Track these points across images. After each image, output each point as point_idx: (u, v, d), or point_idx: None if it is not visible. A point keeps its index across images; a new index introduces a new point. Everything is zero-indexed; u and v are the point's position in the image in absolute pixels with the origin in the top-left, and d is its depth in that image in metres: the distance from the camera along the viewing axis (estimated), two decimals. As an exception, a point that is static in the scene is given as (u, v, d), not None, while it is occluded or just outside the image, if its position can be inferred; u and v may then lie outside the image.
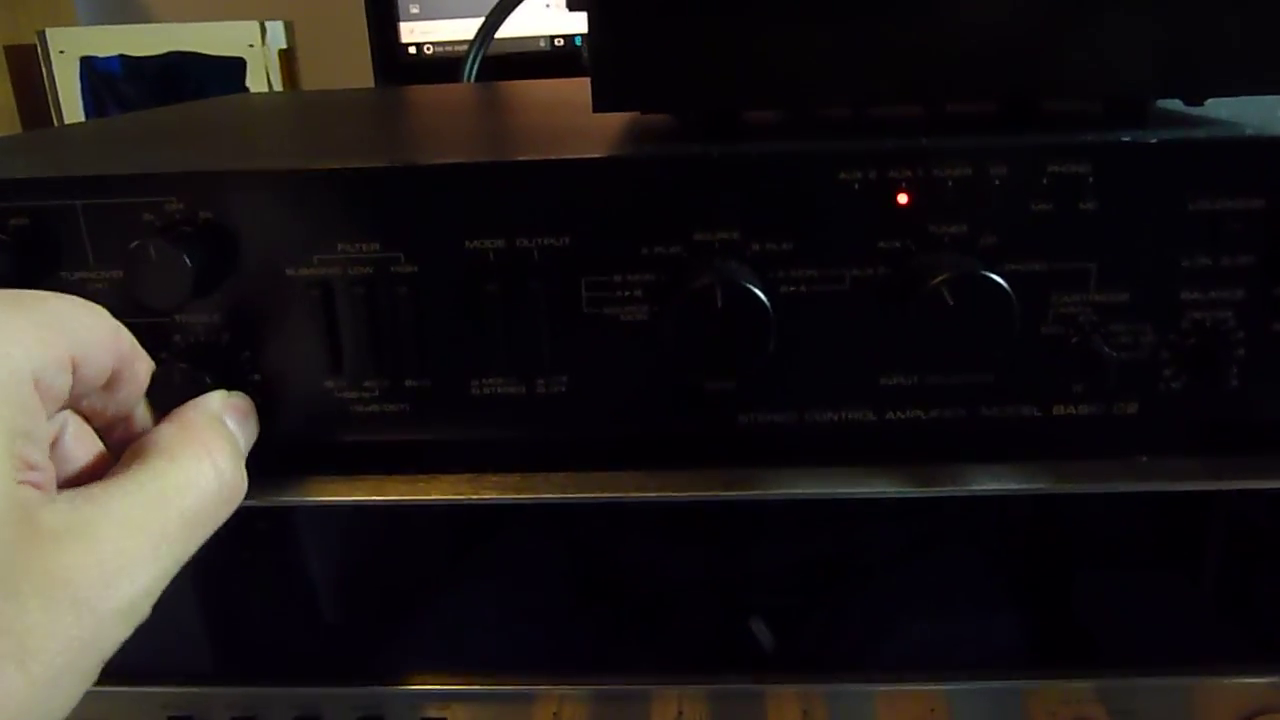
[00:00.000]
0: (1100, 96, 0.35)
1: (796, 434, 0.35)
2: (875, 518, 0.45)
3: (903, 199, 0.31)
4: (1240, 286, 0.32)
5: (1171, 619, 0.44)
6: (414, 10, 1.12)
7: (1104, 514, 0.44)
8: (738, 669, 0.41)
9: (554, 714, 0.41)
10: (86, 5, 1.72)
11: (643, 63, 0.33)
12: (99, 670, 0.24)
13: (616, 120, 0.39)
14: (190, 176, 0.32)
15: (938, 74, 0.33)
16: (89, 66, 1.45)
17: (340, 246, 0.32)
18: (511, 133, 0.46)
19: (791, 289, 0.32)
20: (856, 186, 0.31)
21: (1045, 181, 0.31)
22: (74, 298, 0.27)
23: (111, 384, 0.28)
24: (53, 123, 1.47)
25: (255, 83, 1.45)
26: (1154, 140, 0.31)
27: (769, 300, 0.30)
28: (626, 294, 0.33)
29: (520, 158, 0.32)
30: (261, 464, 0.31)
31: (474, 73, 0.84)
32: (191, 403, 0.30)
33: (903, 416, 0.34)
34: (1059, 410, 0.34)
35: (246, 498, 0.29)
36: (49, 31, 1.45)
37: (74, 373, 0.26)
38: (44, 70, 1.45)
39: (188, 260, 0.30)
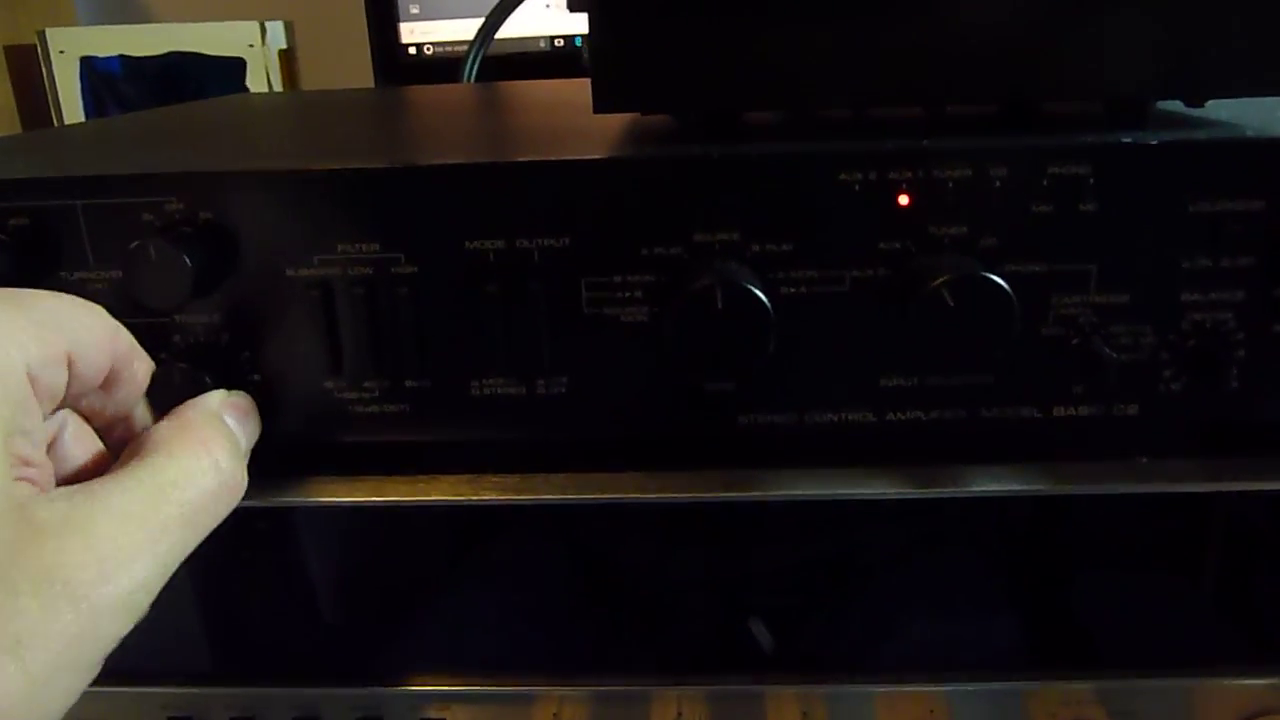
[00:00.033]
0: (1101, 98, 0.35)
1: (796, 435, 0.35)
2: (875, 519, 0.45)
3: (903, 200, 0.31)
4: (1240, 288, 0.32)
5: (1172, 620, 0.44)
6: (414, 10, 1.12)
7: (1104, 515, 0.44)
8: (737, 670, 0.41)
9: (554, 715, 0.41)
10: (86, 5, 1.72)
11: (643, 64, 0.33)
12: (99, 666, 0.24)
13: (617, 121, 0.39)
14: (190, 177, 0.32)
15: (938, 75, 0.33)
16: (89, 66, 1.45)
17: (340, 247, 0.32)
18: (512, 133, 0.46)
19: (792, 290, 0.32)
20: (857, 188, 0.31)
21: (1046, 183, 0.31)
22: (72, 297, 0.27)
23: (109, 384, 0.28)
24: (53, 123, 1.47)
25: (255, 83, 1.45)
26: (1154, 141, 0.31)
27: (769, 301, 0.30)
28: (627, 295, 0.33)
29: (521, 158, 0.32)
30: (261, 464, 0.31)
31: (474, 73, 0.84)
32: (191, 401, 0.30)
33: (903, 417, 0.34)
34: (1059, 411, 0.34)
35: (247, 498, 0.29)
36: (49, 31, 1.45)
37: (70, 371, 0.26)
38: (44, 70, 1.45)
39: (188, 260, 0.30)
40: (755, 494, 0.35)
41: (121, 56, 1.46)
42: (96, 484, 0.25)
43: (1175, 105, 0.36)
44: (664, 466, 0.36)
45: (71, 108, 1.46)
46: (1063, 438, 0.36)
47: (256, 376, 0.34)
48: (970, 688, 0.40)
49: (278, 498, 0.36)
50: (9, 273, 0.32)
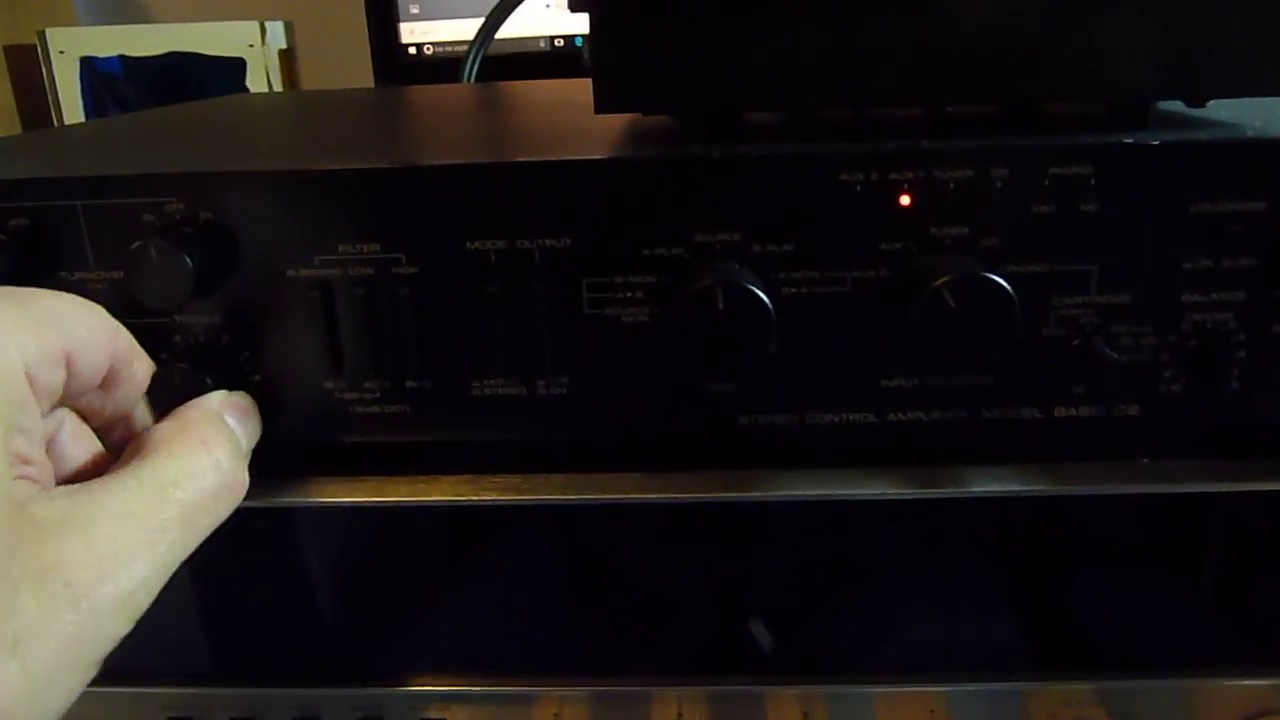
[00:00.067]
0: (1102, 98, 0.35)
1: (797, 435, 0.35)
2: (876, 519, 0.45)
3: (904, 201, 0.31)
4: (1241, 289, 0.32)
5: (1172, 620, 0.44)
6: (414, 10, 1.12)
7: (1105, 515, 0.44)
8: (738, 670, 0.41)
9: (554, 715, 0.40)
10: (86, 5, 1.72)
11: (644, 64, 0.33)
12: (99, 665, 0.24)
13: (617, 121, 0.39)
14: (190, 177, 0.32)
15: (939, 75, 0.33)
16: (89, 67, 1.45)
17: (341, 247, 0.32)
18: (512, 133, 0.46)
19: (793, 290, 0.32)
20: (858, 188, 0.31)
21: (1047, 183, 0.31)
22: (71, 296, 0.27)
23: (109, 383, 0.28)
24: (52, 123, 1.47)
25: (255, 83, 1.45)
26: (1155, 142, 0.31)
27: (770, 302, 0.30)
28: (628, 295, 0.32)
29: (522, 159, 0.32)
30: (262, 465, 0.31)
31: (474, 73, 0.84)
32: (192, 401, 0.30)
33: (904, 418, 0.34)
34: (1060, 412, 0.34)
35: (247, 498, 0.29)
36: (49, 31, 1.45)
37: (69, 370, 0.26)
38: (44, 70, 1.45)
39: (188, 261, 0.30)
40: (755, 494, 0.35)
41: (121, 57, 1.46)
42: (97, 483, 0.25)
43: (1176, 105, 0.36)
44: (664, 467, 0.36)
45: (71, 108, 1.46)
46: (1063, 438, 0.36)
47: (257, 377, 0.34)
48: (970, 688, 0.40)
49: (278, 498, 0.36)
50: (9, 273, 0.32)
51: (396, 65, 1.13)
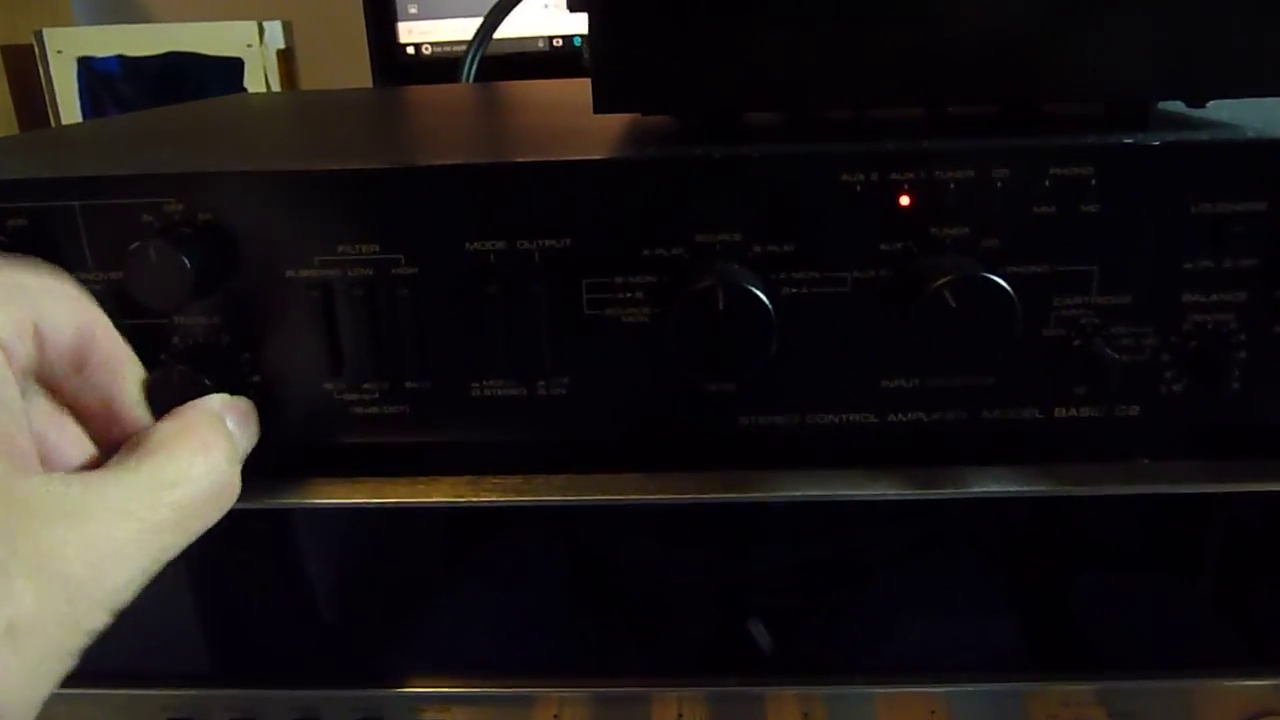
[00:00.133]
0: (1102, 98, 0.35)
1: (798, 436, 0.35)
2: (876, 520, 0.45)
3: (904, 201, 0.31)
4: (1242, 289, 0.32)
5: (1173, 621, 0.44)
6: (412, 10, 1.11)
7: (1105, 516, 0.44)
8: (738, 671, 0.41)
9: (554, 716, 0.40)
10: (83, 5, 1.72)
11: (643, 64, 0.33)
12: (79, 657, 0.24)
13: (617, 121, 0.39)
14: (189, 178, 0.32)
15: (939, 76, 0.33)
16: (86, 67, 1.45)
17: (340, 248, 0.32)
18: (511, 134, 0.46)
19: (793, 291, 0.32)
20: (858, 188, 0.31)
21: (1047, 184, 0.31)
22: (36, 262, 0.26)
23: (81, 360, 0.27)
24: (50, 123, 1.47)
25: (253, 83, 1.45)
26: (1156, 142, 0.31)
27: (770, 302, 0.30)
28: (628, 296, 0.32)
29: (521, 159, 0.32)
30: (261, 466, 0.31)
31: (472, 73, 0.83)
32: (193, 402, 0.30)
33: (904, 419, 0.34)
34: (1060, 413, 0.34)
35: (247, 499, 0.29)
36: (46, 31, 1.45)
37: (38, 342, 0.25)
38: (41, 70, 1.45)
39: (187, 262, 0.30)
40: (756, 495, 0.35)
41: (119, 56, 1.45)
42: (95, 476, 0.25)
43: (1177, 106, 0.36)
44: (665, 467, 0.36)
45: (69, 108, 1.46)
46: (1064, 439, 0.36)
47: (256, 378, 0.34)
48: (971, 689, 0.40)
49: (278, 499, 0.36)
50: (8, 274, 0.31)
51: (395, 65, 1.13)
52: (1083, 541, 0.46)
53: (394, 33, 1.12)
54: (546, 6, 1.09)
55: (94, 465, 0.28)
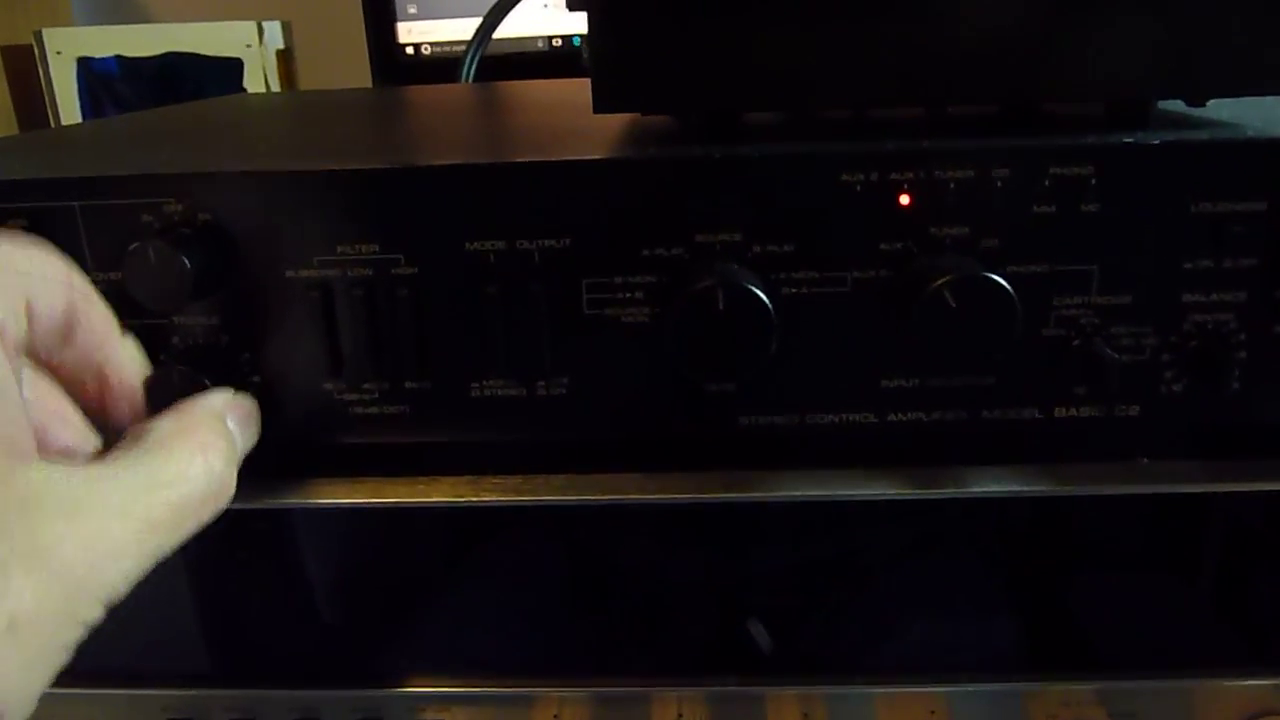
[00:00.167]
0: (1102, 98, 0.35)
1: (797, 436, 0.35)
2: (877, 520, 0.45)
3: (904, 201, 0.31)
4: (1242, 289, 0.32)
5: (1173, 621, 0.44)
6: (411, 10, 1.11)
7: (1105, 516, 0.44)
8: (738, 671, 0.41)
9: (554, 716, 0.40)
10: (83, 5, 1.72)
11: (643, 64, 0.33)
12: (74, 650, 0.24)
13: (617, 121, 0.39)
14: (189, 178, 0.32)
15: (939, 76, 0.33)
16: (86, 67, 1.45)
17: (340, 248, 0.32)
18: (511, 133, 0.46)
19: (793, 291, 0.32)
20: (858, 188, 0.31)
21: (1047, 183, 0.31)
22: (22, 236, 0.26)
23: (67, 331, 0.27)
24: (50, 124, 1.47)
25: (253, 83, 1.45)
26: (1156, 142, 0.31)
27: (770, 302, 0.30)
28: (627, 296, 0.32)
29: (521, 159, 0.32)
30: (261, 466, 0.31)
31: (472, 73, 0.83)
32: (195, 398, 0.30)
33: (904, 419, 0.34)
34: (1060, 412, 0.34)
35: (247, 500, 0.29)
36: (45, 32, 1.44)
37: (30, 318, 0.25)
38: (41, 71, 1.45)
39: (187, 262, 0.30)
40: (756, 495, 0.35)
41: (118, 57, 1.45)
42: (95, 470, 0.25)
43: (1176, 105, 0.36)
44: (665, 468, 0.36)
45: (69, 108, 1.46)
46: (1064, 439, 0.36)
47: (256, 378, 0.34)
48: (970, 689, 0.40)
49: (278, 499, 0.36)
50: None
51: (394, 65, 1.12)
52: (1083, 541, 0.46)
53: (393, 33, 1.12)
54: (546, 6, 1.09)
55: (92, 449, 0.28)
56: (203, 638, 0.44)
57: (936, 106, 0.37)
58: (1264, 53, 0.32)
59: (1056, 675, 0.39)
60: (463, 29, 1.09)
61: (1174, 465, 0.35)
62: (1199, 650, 0.42)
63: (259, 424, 0.32)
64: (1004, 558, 0.46)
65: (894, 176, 0.31)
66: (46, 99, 1.46)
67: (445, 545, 0.49)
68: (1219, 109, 0.36)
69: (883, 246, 0.32)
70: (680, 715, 0.40)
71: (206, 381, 0.31)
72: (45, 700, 0.23)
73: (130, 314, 0.31)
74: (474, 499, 0.36)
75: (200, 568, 0.42)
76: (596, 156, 0.32)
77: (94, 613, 0.24)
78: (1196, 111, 0.36)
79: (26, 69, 1.47)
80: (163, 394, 0.30)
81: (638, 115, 0.40)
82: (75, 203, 0.32)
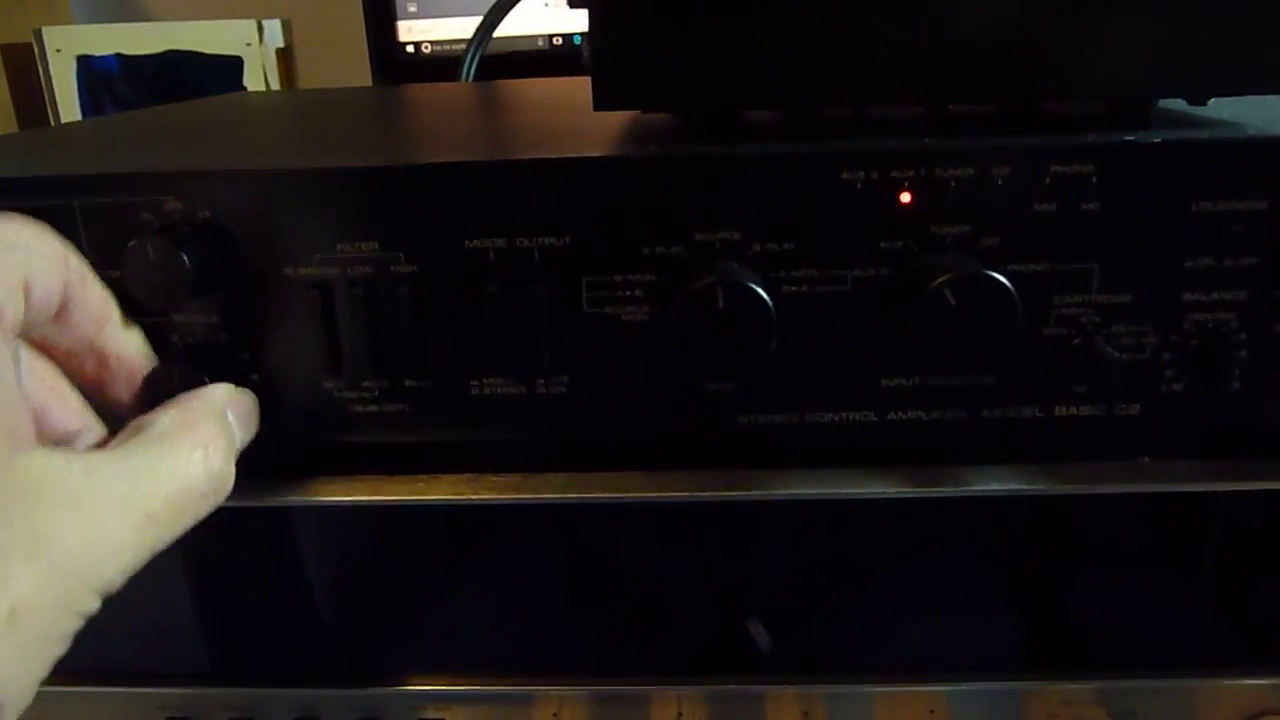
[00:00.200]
0: (1102, 96, 0.34)
1: (797, 435, 0.34)
2: (876, 519, 0.45)
3: (905, 199, 0.31)
4: (1243, 288, 0.32)
5: (1172, 620, 0.44)
6: (411, 9, 1.11)
7: (1105, 515, 0.44)
8: (737, 670, 0.41)
9: (553, 715, 0.40)
10: (82, 4, 1.71)
11: (643, 61, 0.33)
12: (71, 641, 0.24)
13: (616, 119, 0.39)
14: (188, 176, 0.32)
15: (939, 74, 0.33)
16: (86, 65, 1.45)
17: (339, 246, 0.32)
18: (511, 132, 0.46)
19: (793, 289, 0.32)
20: (858, 186, 0.31)
21: (1048, 182, 0.31)
22: (19, 217, 0.26)
23: (62, 312, 0.27)
24: (49, 122, 1.47)
25: (253, 81, 1.45)
26: (1157, 140, 0.31)
27: (770, 301, 0.30)
28: (627, 294, 0.32)
29: (521, 156, 0.32)
30: (260, 464, 0.31)
31: (472, 72, 0.83)
32: (196, 392, 0.30)
33: (904, 417, 0.34)
34: (1061, 411, 0.34)
35: (247, 498, 0.29)
36: (45, 30, 1.44)
37: (26, 299, 0.25)
38: (40, 69, 1.45)
39: (186, 260, 0.30)
40: (755, 493, 0.35)
41: (118, 55, 1.45)
42: (95, 459, 0.25)
43: (1177, 104, 0.36)
44: (664, 466, 0.36)
45: (68, 107, 1.45)
46: (1064, 438, 0.36)
47: (255, 376, 0.33)
48: (970, 688, 0.40)
49: (277, 497, 0.36)
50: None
51: (394, 64, 1.12)
52: (1083, 540, 0.46)
53: (393, 31, 1.12)
54: (546, 5, 1.09)
55: (91, 431, 0.28)
56: (202, 636, 0.44)
57: (937, 105, 0.37)
58: (1265, 51, 0.32)
59: (1056, 674, 0.39)
60: (463, 28, 1.09)
61: (1174, 464, 0.35)
62: (1199, 650, 0.42)
63: (257, 421, 0.32)
64: (1004, 557, 0.46)
65: (894, 175, 0.31)
66: (46, 97, 1.46)
67: (445, 544, 0.49)
68: (1220, 108, 0.36)
69: (883, 245, 0.32)
70: (680, 714, 0.40)
71: (205, 379, 0.31)
72: (45, 698, 0.23)
73: (129, 312, 0.31)
74: (473, 497, 0.36)
75: (200, 566, 0.42)
76: (596, 154, 0.32)
77: (91, 603, 0.24)
78: (1197, 110, 0.36)
79: (26, 67, 1.47)
80: (162, 392, 0.30)
81: (638, 113, 0.40)
82: (74, 200, 0.32)
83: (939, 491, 0.35)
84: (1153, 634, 0.43)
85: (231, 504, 0.28)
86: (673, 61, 0.33)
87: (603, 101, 0.33)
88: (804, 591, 0.46)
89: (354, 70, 1.22)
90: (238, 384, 0.32)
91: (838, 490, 0.35)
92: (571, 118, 0.45)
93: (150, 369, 0.31)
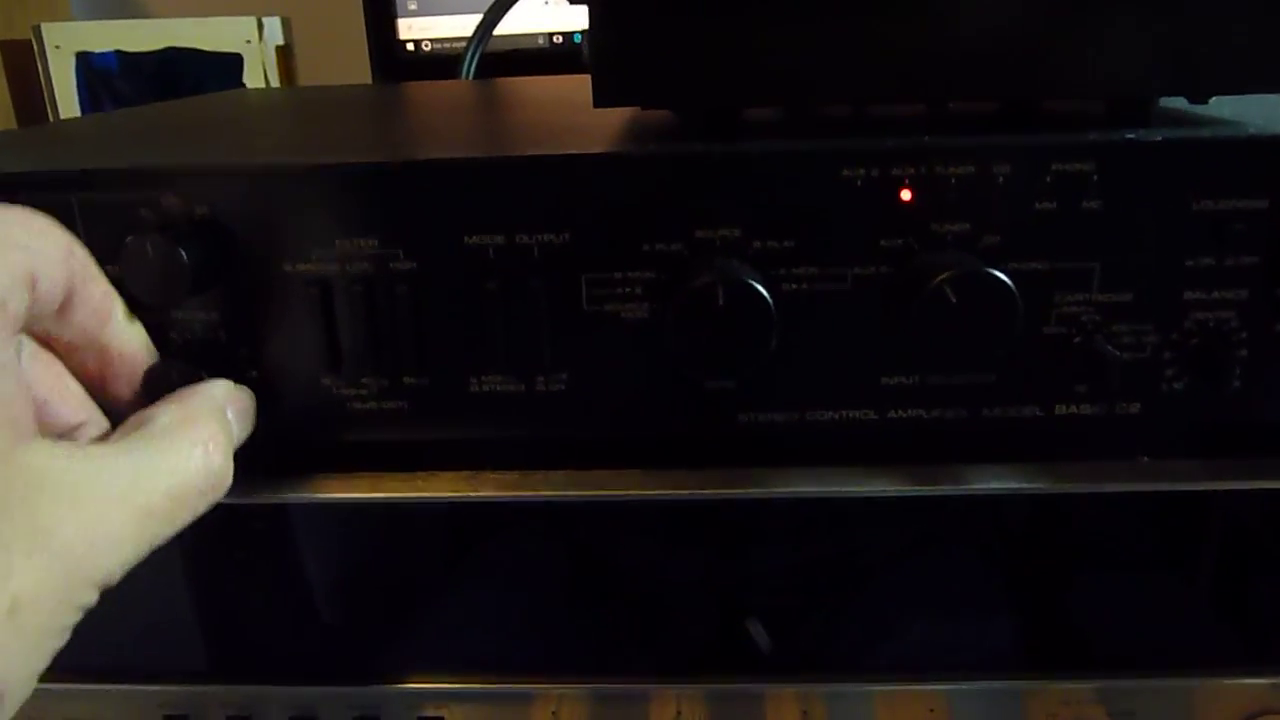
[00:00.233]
0: (1103, 95, 0.34)
1: (797, 433, 0.34)
2: (876, 518, 0.45)
3: (905, 197, 0.31)
4: (1243, 287, 0.32)
5: (1172, 619, 0.44)
6: (412, 7, 1.11)
7: (1105, 514, 0.44)
8: (737, 669, 0.41)
9: (552, 713, 0.40)
10: (82, 0, 1.71)
11: (644, 58, 0.33)
12: (68, 636, 0.24)
13: (616, 117, 0.39)
14: (187, 171, 0.32)
15: (940, 72, 0.33)
16: (85, 62, 1.45)
17: (338, 243, 0.32)
18: (511, 129, 0.46)
19: (793, 287, 0.32)
20: (859, 184, 0.31)
21: (1049, 180, 0.31)
22: (22, 209, 0.26)
23: (66, 307, 0.27)
24: (48, 120, 1.47)
25: (252, 79, 1.44)
26: (1158, 139, 0.31)
27: (770, 298, 0.30)
28: (627, 291, 0.32)
29: (521, 153, 0.32)
30: (259, 462, 0.31)
31: (472, 70, 0.83)
32: (196, 388, 0.30)
33: (904, 416, 0.34)
34: (1061, 410, 0.34)
35: (244, 495, 0.29)
36: (44, 27, 1.44)
37: (32, 292, 0.25)
38: (39, 66, 1.44)
39: (184, 256, 0.30)
40: (755, 491, 0.35)
41: (118, 52, 1.45)
42: (95, 451, 0.25)
43: (1178, 102, 0.36)
44: (664, 464, 0.36)
45: (67, 104, 1.45)
46: (1064, 437, 0.35)
47: (254, 373, 0.33)
48: (970, 687, 0.40)
49: (275, 495, 0.36)
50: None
51: (394, 62, 1.12)
52: (1083, 540, 0.46)
53: (393, 29, 1.12)
54: (546, 3, 1.09)
55: (93, 426, 0.28)
56: (200, 634, 0.44)
57: (937, 103, 0.37)
58: (1266, 50, 0.32)
59: (1056, 674, 0.39)
60: (463, 25, 1.09)
61: (1174, 464, 0.35)
62: (1198, 649, 0.42)
63: (254, 418, 0.32)
64: (1004, 556, 0.46)
65: (895, 172, 0.31)
66: (45, 95, 1.45)
67: (444, 542, 0.48)
68: (1220, 106, 0.36)
69: (883, 243, 0.32)
70: (679, 713, 0.40)
71: (204, 376, 0.31)
72: (43, 695, 0.23)
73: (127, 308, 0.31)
74: (472, 494, 0.36)
75: (198, 564, 0.42)
76: (597, 151, 0.32)
77: (90, 597, 0.24)
78: (1198, 109, 0.36)
79: (25, 64, 1.46)
80: (160, 388, 0.30)
81: (638, 111, 0.40)
82: (72, 196, 0.32)
83: (939, 490, 0.35)
84: (1152, 633, 0.43)
85: (229, 501, 0.28)
86: (673, 58, 0.33)
87: (602, 98, 0.33)
88: (803, 590, 0.46)
89: (354, 68, 1.22)
90: (236, 381, 0.32)
91: (837, 489, 0.35)
92: (571, 115, 0.45)
93: (151, 365, 0.31)
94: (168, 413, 0.28)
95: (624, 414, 0.34)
